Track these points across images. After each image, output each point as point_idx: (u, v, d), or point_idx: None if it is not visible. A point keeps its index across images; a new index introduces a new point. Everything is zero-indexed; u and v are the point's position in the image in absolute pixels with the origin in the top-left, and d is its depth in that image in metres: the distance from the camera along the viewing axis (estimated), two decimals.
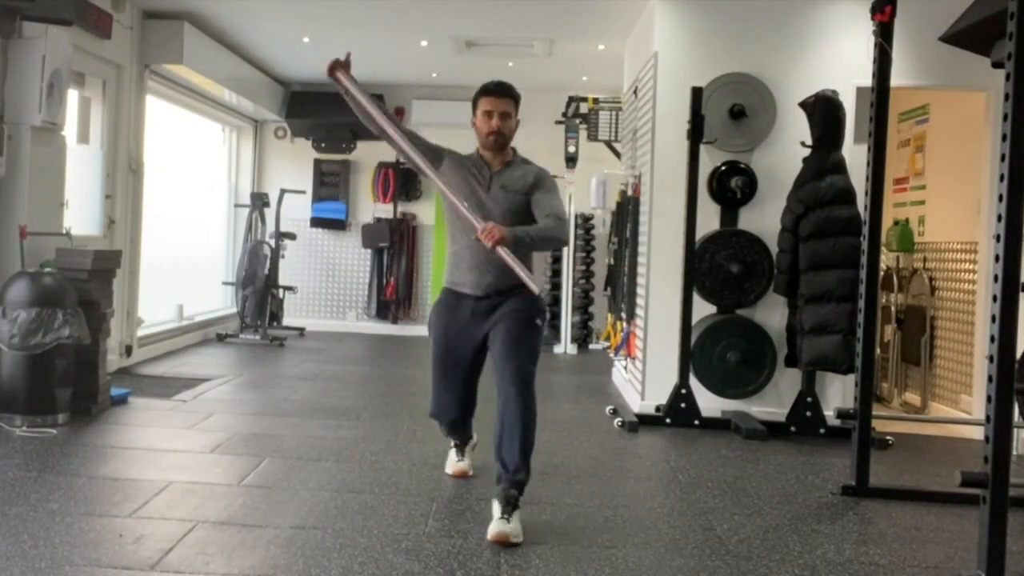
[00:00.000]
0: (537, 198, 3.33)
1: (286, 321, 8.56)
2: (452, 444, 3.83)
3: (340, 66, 3.31)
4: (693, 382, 5.00)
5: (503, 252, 3.03)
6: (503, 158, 3.44)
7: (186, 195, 8.16)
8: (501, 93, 3.41)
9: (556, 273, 8.49)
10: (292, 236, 8.46)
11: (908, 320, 6.27)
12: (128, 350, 6.28)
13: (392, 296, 9.20)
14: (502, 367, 3.22)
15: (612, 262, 6.48)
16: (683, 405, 4.97)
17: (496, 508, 3.04)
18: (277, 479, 3.64)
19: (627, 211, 5.90)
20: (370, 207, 9.29)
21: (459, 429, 3.67)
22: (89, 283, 4.63)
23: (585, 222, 8.48)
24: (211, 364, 6.69)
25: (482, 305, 3.36)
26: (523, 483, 3.12)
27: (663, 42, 5.34)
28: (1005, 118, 2.62)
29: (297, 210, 8.95)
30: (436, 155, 3.43)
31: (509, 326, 3.28)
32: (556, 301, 8.35)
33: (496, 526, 2.97)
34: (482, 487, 3.57)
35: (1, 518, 2.96)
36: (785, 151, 5.11)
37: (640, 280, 5.55)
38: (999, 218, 2.64)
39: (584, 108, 7.92)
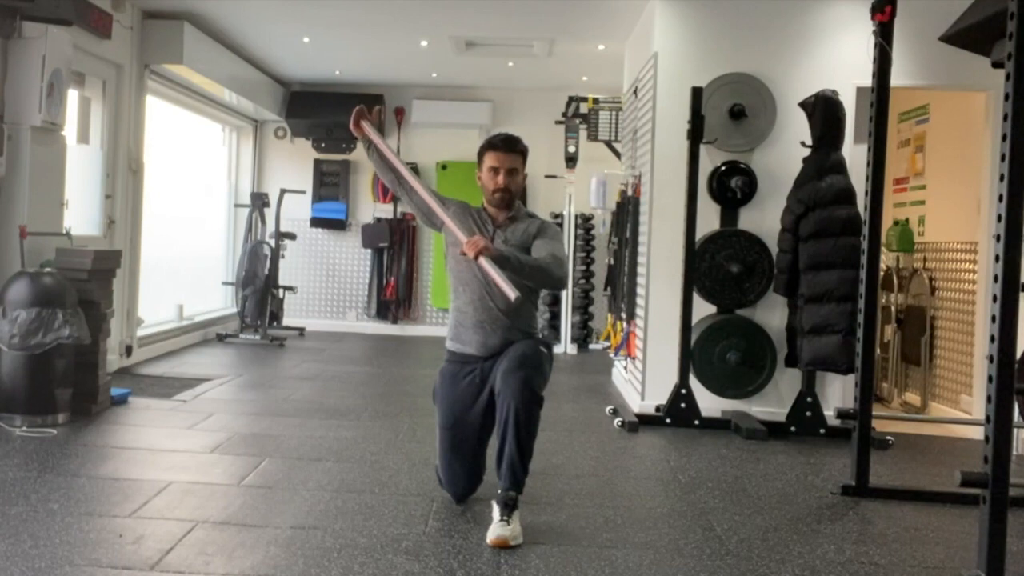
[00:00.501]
0: (537, 244, 3.27)
1: (286, 321, 8.56)
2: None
3: (365, 118, 3.36)
4: (693, 382, 5.00)
5: (485, 262, 2.96)
6: (508, 212, 3.38)
7: (186, 195, 8.17)
8: (508, 148, 3.32)
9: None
10: (292, 236, 8.46)
11: (908, 320, 6.27)
12: (128, 350, 6.28)
13: (392, 296, 9.20)
14: (507, 378, 3.09)
15: (612, 262, 6.48)
16: (683, 405, 4.97)
17: (495, 511, 3.03)
18: (277, 479, 3.64)
19: (627, 211, 5.90)
20: (370, 207, 9.29)
21: (466, 498, 3.44)
22: (89, 283, 4.63)
23: (585, 222, 8.48)
24: (211, 364, 6.69)
25: (488, 365, 3.28)
26: (521, 485, 3.09)
27: (663, 42, 5.35)
28: (1005, 118, 2.62)
29: (297, 210, 8.95)
30: (443, 205, 3.35)
31: (513, 351, 3.21)
32: (556, 301, 8.35)
33: (495, 530, 2.95)
34: (482, 487, 3.56)
35: (1, 518, 2.96)
36: (785, 151, 5.12)
37: (640, 280, 5.55)
38: (999, 218, 2.64)
39: (584, 108, 7.91)
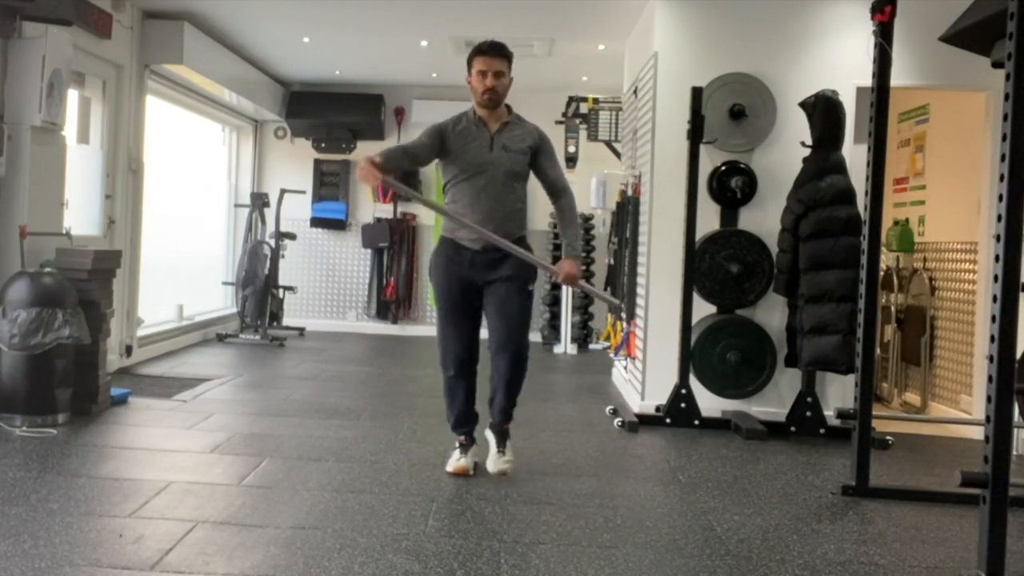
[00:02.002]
0: (542, 165, 3.68)
1: (286, 321, 8.56)
2: (456, 444, 3.83)
3: (378, 165, 3.39)
4: (693, 382, 5.00)
5: (583, 284, 3.73)
6: (499, 116, 3.67)
7: (186, 195, 8.17)
8: (495, 52, 3.65)
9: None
10: (292, 236, 8.46)
11: (908, 320, 6.27)
12: (128, 350, 6.28)
13: (392, 296, 9.20)
14: (499, 343, 3.58)
15: (612, 262, 6.48)
16: (683, 405, 4.97)
17: (492, 442, 3.69)
18: (277, 479, 3.64)
19: (627, 211, 5.90)
20: (370, 207, 9.29)
21: (466, 371, 3.74)
22: (89, 283, 4.63)
23: (585, 222, 8.47)
24: (211, 364, 6.69)
25: (480, 258, 3.61)
26: (511, 417, 3.74)
27: (663, 42, 5.35)
28: (1005, 118, 2.62)
29: (297, 210, 8.95)
30: (439, 140, 3.64)
31: (502, 292, 3.59)
32: (556, 301, 8.35)
33: (496, 463, 3.63)
34: (482, 487, 3.57)
35: (1, 518, 2.96)
36: (785, 151, 5.12)
37: (640, 280, 5.55)
38: (999, 218, 2.64)
39: (584, 108, 7.91)
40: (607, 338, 6.57)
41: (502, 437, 3.71)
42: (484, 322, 3.72)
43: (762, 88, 5.17)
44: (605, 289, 6.80)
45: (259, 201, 8.46)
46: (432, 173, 8.86)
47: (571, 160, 8.21)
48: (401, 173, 3.81)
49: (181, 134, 8.06)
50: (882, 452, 4.55)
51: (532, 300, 3.72)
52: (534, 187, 3.83)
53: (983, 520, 2.66)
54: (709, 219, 5.16)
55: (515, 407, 3.74)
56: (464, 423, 3.84)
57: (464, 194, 3.60)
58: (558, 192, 3.72)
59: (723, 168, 5.19)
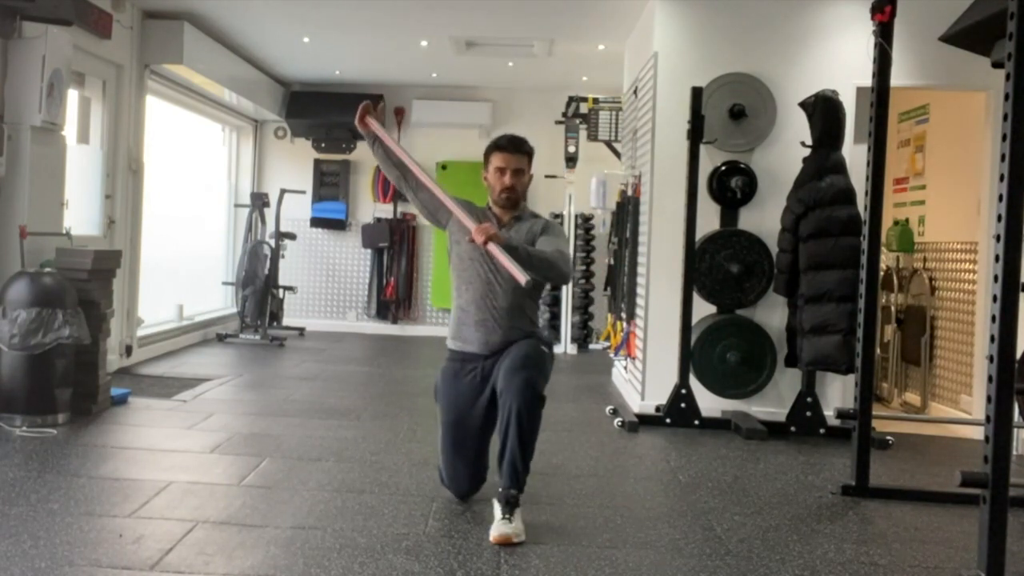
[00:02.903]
0: (541, 240, 3.30)
1: (286, 321, 8.55)
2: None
3: (371, 112, 3.38)
4: (693, 382, 5.00)
5: (494, 248, 3.01)
6: (513, 212, 3.41)
7: (186, 195, 8.17)
8: (514, 149, 3.36)
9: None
10: (292, 236, 8.46)
11: (908, 320, 6.27)
12: (128, 350, 6.28)
13: (392, 296, 9.20)
14: (510, 377, 3.12)
15: (612, 262, 6.48)
16: (683, 405, 4.97)
17: (497, 509, 3.05)
18: (277, 479, 3.64)
19: (627, 211, 5.90)
20: (370, 207, 9.29)
21: (469, 497, 3.45)
22: (89, 283, 4.63)
23: (585, 222, 8.48)
24: (211, 364, 6.69)
25: (489, 364, 3.29)
26: (523, 484, 3.12)
27: (663, 42, 5.35)
28: (1005, 118, 2.62)
29: (297, 210, 8.95)
30: (448, 210, 3.37)
31: (515, 351, 3.22)
32: (556, 301, 8.35)
33: (498, 527, 2.98)
34: (482, 487, 3.56)
35: (1, 518, 2.96)
36: (785, 151, 5.12)
37: (640, 280, 5.55)
38: (999, 218, 2.64)
39: (584, 108, 7.92)
40: (607, 338, 6.56)
41: (509, 506, 3.05)
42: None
43: (762, 88, 5.17)
44: (605, 289, 6.80)
45: (259, 201, 8.46)
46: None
47: (571, 160, 8.22)
48: (390, 160, 3.44)
49: (181, 134, 8.06)
50: (882, 452, 4.55)
51: (549, 360, 3.34)
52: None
53: (983, 520, 2.66)
54: (709, 219, 5.16)
55: (528, 472, 3.15)
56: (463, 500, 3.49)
57: (468, 288, 3.34)
58: (553, 250, 3.23)
59: (723, 168, 5.19)
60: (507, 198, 3.35)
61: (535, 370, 3.15)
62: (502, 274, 3.21)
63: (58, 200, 5.14)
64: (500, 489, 3.08)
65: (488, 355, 3.30)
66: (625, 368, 6.06)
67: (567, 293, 8.17)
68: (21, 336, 4.21)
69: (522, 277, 2.97)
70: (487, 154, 3.40)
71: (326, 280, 9.37)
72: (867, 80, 3.90)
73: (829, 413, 4.86)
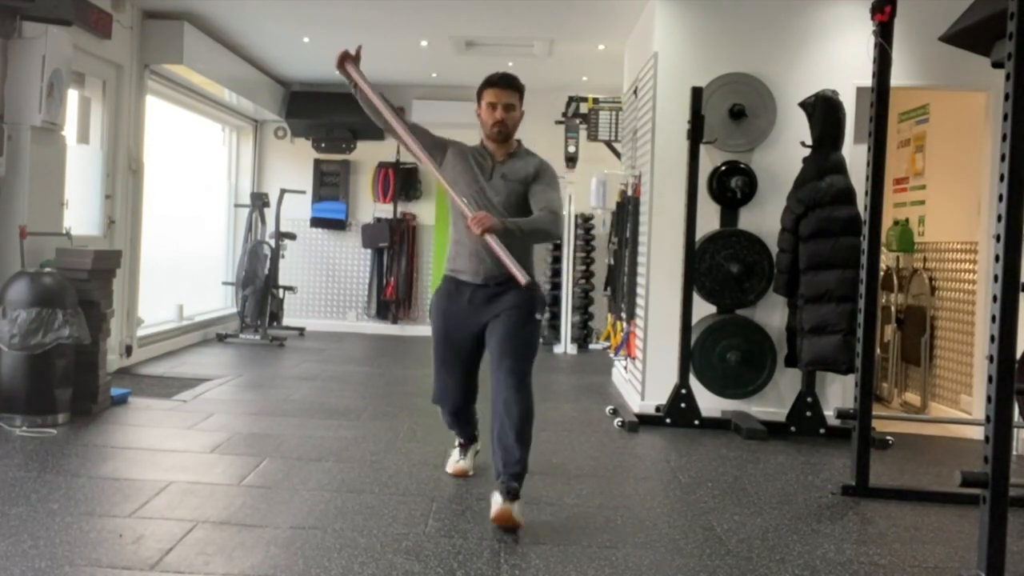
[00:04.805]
0: (535, 189, 3.38)
1: (286, 321, 8.56)
2: (456, 444, 3.83)
3: (349, 59, 3.44)
4: (693, 382, 5.00)
5: (492, 240, 3.11)
6: (507, 149, 3.48)
7: (186, 195, 8.17)
8: (505, 85, 3.47)
9: (556, 273, 8.49)
10: (292, 236, 8.46)
11: (908, 320, 6.27)
12: (128, 350, 6.28)
13: (392, 296, 9.20)
14: (498, 364, 3.26)
15: (612, 262, 6.48)
16: (683, 405, 4.97)
17: (497, 498, 3.10)
18: (277, 479, 3.64)
19: (627, 211, 5.90)
20: (370, 207, 9.29)
21: (461, 416, 3.67)
22: (89, 283, 4.63)
23: (585, 222, 8.48)
24: (211, 364, 6.69)
25: (480, 293, 3.40)
26: (522, 475, 3.18)
27: (663, 42, 5.34)
28: (1005, 118, 2.62)
29: (297, 210, 8.96)
30: (440, 147, 3.51)
31: (506, 322, 3.33)
32: (556, 301, 8.35)
33: (498, 507, 3.05)
34: (482, 487, 3.57)
35: (1, 518, 2.96)
36: (785, 151, 5.12)
37: (640, 280, 5.55)
38: (999, 218, 2.64)
39: (584, 108, 7.91)
40: (607, 338, 6.56)
41: (510, 495, 3.08)
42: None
43: (762, 88, 5.17)
44: (605, 289, 6.80)
45: (259, 201, 8.46)
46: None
47: (571, 160, 8.22)
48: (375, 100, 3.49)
49: (181, 134, 8.06)
50: (882, 452, 4.55)
51: (538, 331, 3.42)
52: None
53: (983, 520, 2.66)
54: (709, 219, 5.16)
55: (526, 464, 3.19)
56: (464, 432, 3.80)
57: (464, 223, 3.33)
58: (544, 209, 3.30)
59: (723, 168, 5.19)
60: (498, 132, 3.42)
61: (518, 357, 3.28)
62: (496, 207, 3.32)
63: (58, 200, 5.14)
64: (500, 481, 3.13)
65: (480, 284, 3.40)
66: (625, 368, 6.06)
67: (567, 293, 8.17)
68: (21, 336, 4.21)
69: (522, 279, 3.11)
70: (479, 91, 3.50)
71: (326, 280, 9.37)
72: (867, 80, 3.90)
73: (829, 413, 4.86)
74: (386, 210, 9.22)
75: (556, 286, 8.44)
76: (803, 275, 4.76)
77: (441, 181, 3.36)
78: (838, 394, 5.14)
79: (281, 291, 8.32)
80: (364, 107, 3.54)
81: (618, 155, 7.36)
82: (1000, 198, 2.64)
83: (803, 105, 4.88)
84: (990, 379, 2.64)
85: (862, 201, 3.91)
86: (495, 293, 3.38)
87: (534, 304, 3.38)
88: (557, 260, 8.49)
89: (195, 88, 7.46)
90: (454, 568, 2.72)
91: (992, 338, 2.64)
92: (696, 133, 4.98)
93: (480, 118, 3.49)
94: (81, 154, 5.77)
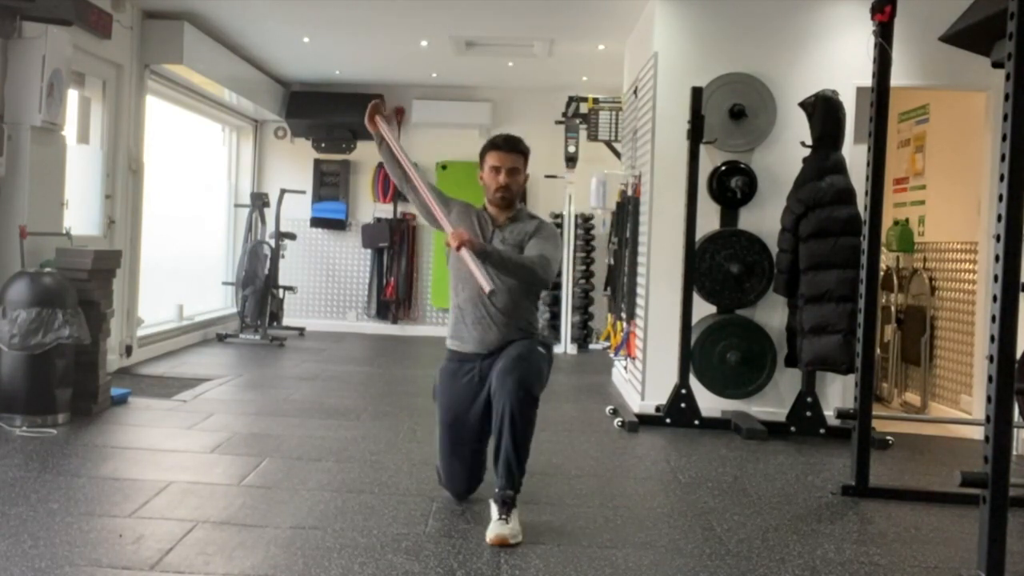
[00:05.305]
0: (531, 243, 3.30)
1: (286, 321, 8.55)
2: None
3: (381, 115, 3.38)
4: (693, 382, 5.00)
5: (466, 254, 3.04)
6: (509, 213, 3.40)
7: (186, 195, 8.17)
8: (510, 148, 3.35)
9: (556, 273, 8.48)
10: (292, 236, 8.46)
11: (908, 320, 6.27)
12: (128, 350, 6.28)
13: (392, 296, 9.20)
14: (504, 377, 3.10)
15: (612, 262, 6.48)
16: (683, 405, 4.97)
17: (494, 510, 3.05)
18: (277, 479, 3.64)
19: (627, 211, 5.90)
20: (370, 207, 9.29)
21: (466, 497, 3.45)
22: (89, 283, 4.63)
23: (585, 222, 8.48)
24: (211, 364, 6.69)
25: (487, 364, 3.27)
26: (519, 485, 3.12)
27: (663, 42, 5.35)
28: (1005, 118, 2.62)
29: (297, 210, 8.95)
30: (445, 204, 3.39)
31: (510, 351, 3.21)
32: (556, 301, 8.35)
33: (494, 528, 2.98)
34: (482, 487, 3.56)
35: (1, 518, 2.96)
36: (785, 151, 5.12)
37: (640, 280, 5.55)
38: (999, 218, 2.64)
39: (584, 108, 7.91)
40: (607, 338, 6.56)
41: (506, 506, 3.04)
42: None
43: (762, 88, 5.17)
44: (605, 289, 6.80)
45: (259, 201, 8.46)
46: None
47: (571, 160, 8.22)
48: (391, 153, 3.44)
49: (181, 134, 8.06)
50: (882, 452, 4.55)
51: (546, 362, 3.30)
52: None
53: (983, 520, 2.66)
54: (709, 219, 5.16)
55: (523, 473, 3.14)
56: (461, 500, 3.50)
57: (464, 287, 3.31)
58: (537, 256, 3.24)
59: (723, 168, 5.19)
60: (502, 197, 3.33)
61: (528, 371, 3.13)
62: (499, 274, 3.20)
63: (58, 200, 5.14)
64: (496, 490, 3.08)
65: (486, 354, 3.28)
66: (625, 368, 6.05)
67: (567, 293, 8.17)
68: (21, 336, 4.21)
69: (487, 285, 3.01)
70: (483, 153, 3.40)
71: (326, 280, 9.37)
72: (867, 80, 3.90)
73: (829, 413, 4.86)
74: (386, 210, 9.22)
75: (556, 286, 8.43)
76: (803, 275, 4.76)
77: (439, 216, 3.29)
78: (838, 394, 5.14)
79: (281, 291, 8.32)
80: (385, 159, 3.51)
81: (618, 155, 7.36)
82: (1000, 198, 2.64)
83: (803, 105, 4.88)
84: (990, 379, 2.64)
85: (862, 201, 3.91)
86: (500, 352, 3.25)
87: (540, 343, 3.32)
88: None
89: (195, 88, 7.46)
90: (454, 568, 2.72)
91: (992, 338, 2.64)
92: (696, 133, 4.98)
93: (483, 182, 3.39)
94: (81, 154, 5.77)
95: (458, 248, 3.04)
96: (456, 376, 3.35)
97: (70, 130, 5.46)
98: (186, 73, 6.84)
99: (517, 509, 3.06)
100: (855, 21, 5.06)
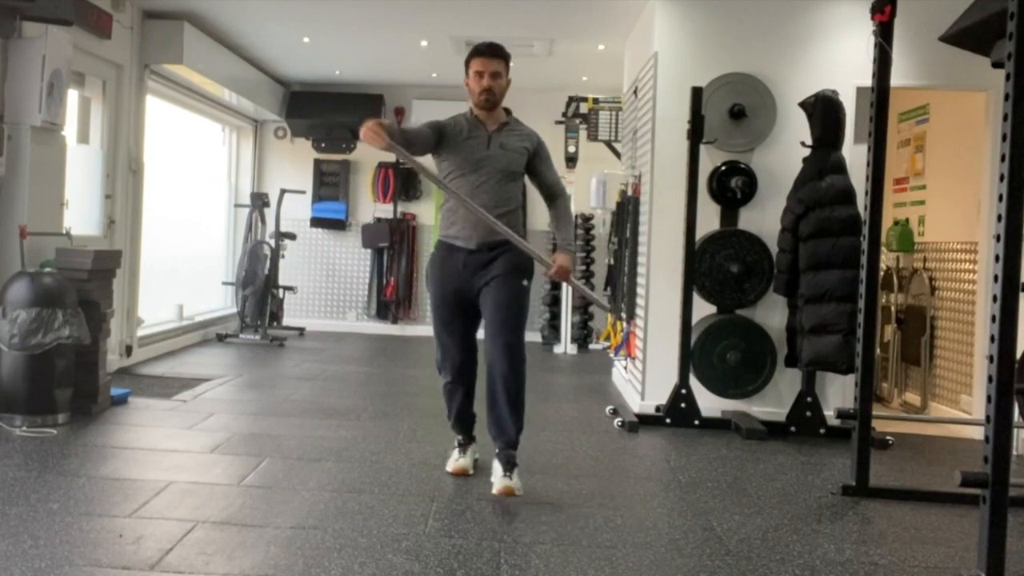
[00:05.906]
0: (539, 169, 3.69)
1: (286, 321, 8.56)
2: (455, 443, 3.84)
3: (379, 132, 3.28)
4: (693, 382, 5.00)
5: (575, 282, 3.73)
6: (497, 117, 3.67)
7: (186, 195, 8.17)
8: (492, 54, 3.66)
9: None
10: (292, 236, 8.46)
11: (908, 320, 6.27)
12: (128, 350, 6.28)
13: (392, 296, 9.20)
14: (493, 339, 3.48)
15: (612, 262, 6.48)
16: (683, 405, 4.97)
17: (497, 467, 3.44)
18: (277, 479, 3.64)
19: (627, 211, 5.90)
20: (370, 207, 9.29)
21: (465, 375, 3.72)
22: (89, 283, 4.63)
23: (585, 222, 8.48)
24: (211, 364, 6.69)
25: (473, 258, 3.57)
26: (517, 441, 3.49)
27: (663, 42, 5.35)
28: (1005, 118, 2.62)
29: (297, 210, 8.96)
30: (437, 135, 3.60)
31: (497, 293, 3.52)
32: (556, 301, 8.35)
33: (501, 482, 3.39)
34: (482, 487, 3.57)
35: (1, 518, 2.96)
36: (785, 151, 5.12)
37: (640, 280, 5.55)
38: (999, 218, 2.64)
39: (584, 108, 7.91)
40: (607, 338, 6.57)
41: (510, 465, 3.48)
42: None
43: (762, 88, 5.17)
44: (605, 289, 6.80)
45: (259, 201, 8.46)
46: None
47: (571, 160, 8.21)
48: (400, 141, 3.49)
49: (181, 134, 8.06)
50: (882, 452, 4.55)
51: (528, 297, 3.63)
52: (532, 188, 3.84)
53: (983, 520, 2.66)
54: (709, 219, 5.16)
55: (521, 430, 3.54)
56: (463, 423, 3.83)
57: (460, 190, 3.56)
58: (555, 195, 3.73)
59: (723, 168, 5.19)
60: (486, 99, 3.60)
61: (512, 331, 3.49)
62: (497, 173, 3.55)
63: (58, 200, 5.14)
64: (497, 451, 3.45)
65: (475, 249, 3.57)
66: (625, 368, 6.06)
67: (567, 293, 8.17)
68: (21, 336, 4.21)
69: (606, 305, 3.78)
70: (467, 60, 3.69)
71: (326, 280, 9.37)
72: (867, 80, 3.90)
73: (829, 413, 4.86)
74: (386, 210, 9.22)
75: (556, 286, 8.43)
76: (803, 275, 4.76)
77: (525, 247, 3.56)
78: (838, 394, 5.14)
79: (281, 291, 8.33)
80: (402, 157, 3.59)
81: (618, 155, 7.36)
82: (1000, 198, 2.64)
83: (803, 105, 4.88)
84: (990, 379, 2.64)
85: (862, 201, 3.91)
86: (488, 259, 3.56)
87: (522, 271, 3.57)
88: None
89: (195, 88, 7.46)
90: (454, 568, 2.72)
91: (992, 338, 2.64)
92: (696, 133, 4.98)
93: (468, 87, 3.67)
94: (81, 154, 5.77)
95: (565, 280, 3.66)
96: (445, 262, 3.65)
97: (70, 130, 5.46)
98: (186, 73, 6.84)
99: (518, 467, 3.45)
100: (855, 21, 5.06)
